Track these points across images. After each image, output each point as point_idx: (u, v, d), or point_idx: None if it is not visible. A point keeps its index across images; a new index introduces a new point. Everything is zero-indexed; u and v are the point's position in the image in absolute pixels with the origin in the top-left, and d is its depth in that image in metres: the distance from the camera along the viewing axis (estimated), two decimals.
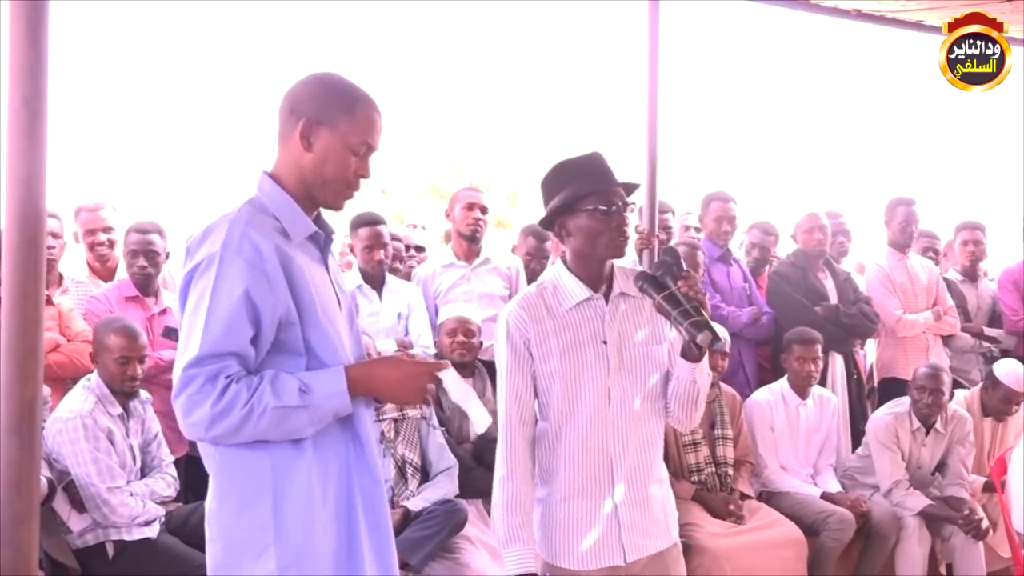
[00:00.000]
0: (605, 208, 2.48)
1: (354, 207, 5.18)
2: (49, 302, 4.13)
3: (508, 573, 2.48)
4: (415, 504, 3.98)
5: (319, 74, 2.15)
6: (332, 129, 2.08)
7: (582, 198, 2.49)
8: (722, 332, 4.53)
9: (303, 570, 2.02)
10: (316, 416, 2.02)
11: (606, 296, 2.56)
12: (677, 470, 4.46)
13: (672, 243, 5.25)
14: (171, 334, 4.35)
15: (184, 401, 1.96)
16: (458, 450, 4.28)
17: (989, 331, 5.85)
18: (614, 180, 2.53)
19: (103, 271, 4.75)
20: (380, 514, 2.17)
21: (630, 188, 2.57)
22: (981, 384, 5.27)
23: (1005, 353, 5.70)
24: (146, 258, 4.40)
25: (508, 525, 2.49)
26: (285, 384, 2.00)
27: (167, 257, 4.58)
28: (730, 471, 4.59)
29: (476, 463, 4.27)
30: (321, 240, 2.18)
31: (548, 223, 2.58)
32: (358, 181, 2.14)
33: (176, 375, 1.98)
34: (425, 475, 4.16)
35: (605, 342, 2.53)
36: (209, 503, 2.10)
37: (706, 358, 2.52)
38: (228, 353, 1.96)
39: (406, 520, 3.89)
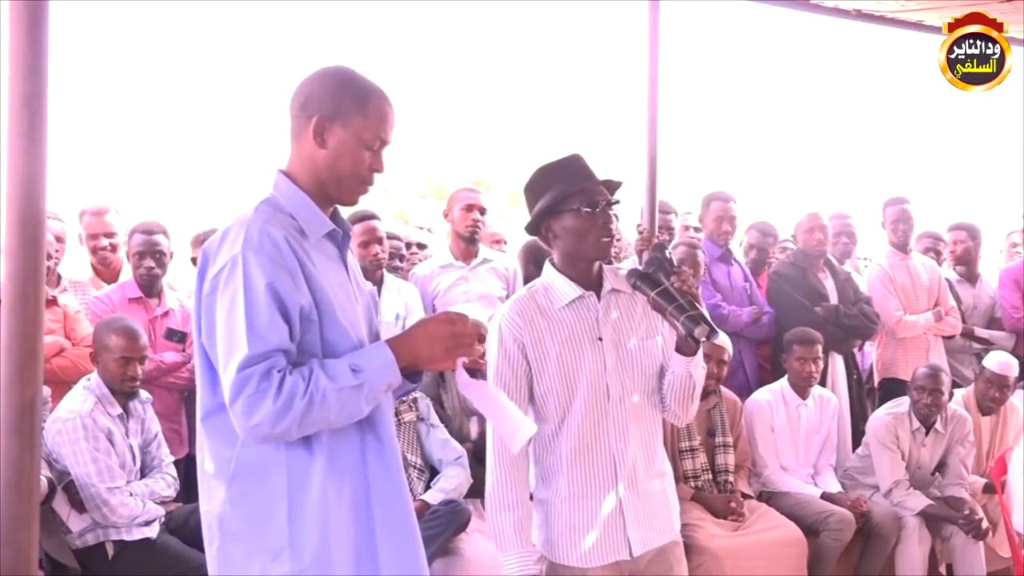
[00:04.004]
0: (590, 207, 2.49)
1: (354, 206, 5.21)
2: (55, 303, 4.13)
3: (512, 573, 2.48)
4: (432, 497, 4.01)
5: (329, 69, 2.13)
6: (345, 126, 2.07)
7: (566, 198, 2.51)
8: (725, 339, 4.55)
9: (319, 571, 2.01)
10: (372, 393, 2.01)
11: (597, 294, 2.58)
12: (673, 475, 4.45)
13: (673, 243, 5.25)
14: (173, 336, 4.35)
15: (243, 403, 1.92)
16: None
17: (980, 332, 5.85)
18: (596, 179, 2.55)
19: (107, 273, 4.75)
20: (399, 512, 2.13)
21: (612, 186, 2.59)
22: (974, 381, 5.28)
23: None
24: (153, 259, 4.40)
25: (506, 530, 2.50)
26: (336, 367, 1.98)
27: (171, 257, 4.59)
28: (730, 478, 4.59)
29: (476, 462, 4.27)
30: (339, 237, 2.17)
31: (535, 226, 2.59)
32: (372, 176, 2.13)
33: (228, 380, 1.94)
34: (433, 474, 4.19)
35: (601, 339, 2.55)
36: (219, 507, 2.06)
37: (700, 352, 2.53)
38: (275, 349, 1.94)
39: (422, 514, 3.90)
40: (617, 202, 2.57)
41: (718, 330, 2.40)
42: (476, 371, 4.39)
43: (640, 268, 2.51)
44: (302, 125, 2.09)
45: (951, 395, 4.94)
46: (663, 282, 2.42)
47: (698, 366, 2.54)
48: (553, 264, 2.61)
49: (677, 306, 2.37)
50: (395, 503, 2.14)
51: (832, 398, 5.06)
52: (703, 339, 2.37)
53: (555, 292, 2.57)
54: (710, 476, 4.57)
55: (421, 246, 5.86)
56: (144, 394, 3.91)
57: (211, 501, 2.09)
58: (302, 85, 2.12)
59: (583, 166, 2.57)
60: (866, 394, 5.60)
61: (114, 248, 4.73)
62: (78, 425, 3.62)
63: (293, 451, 2.02)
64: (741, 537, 4.31)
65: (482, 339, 4.04)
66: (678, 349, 2.52)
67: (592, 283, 2.58)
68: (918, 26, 5.55)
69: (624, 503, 2.55)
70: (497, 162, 16.97)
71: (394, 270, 4.97)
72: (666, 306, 2.39)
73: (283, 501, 2.02)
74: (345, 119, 2.07)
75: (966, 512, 4.70)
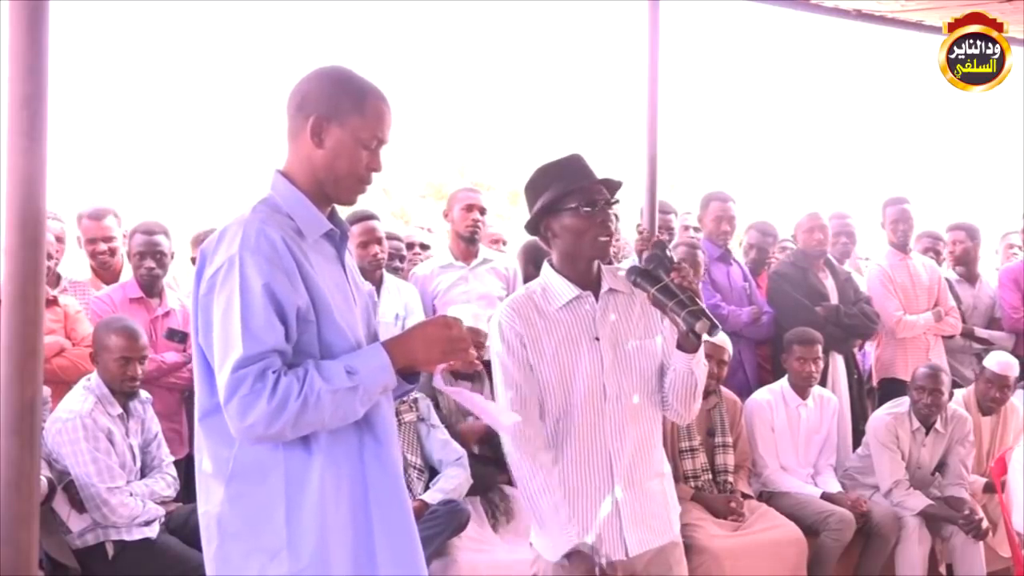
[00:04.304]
0: (589, 206, 2.50)
1: (352, 206, 5.20)
2: (55, 303, 4.13)
3: (557, 553, 2.45)
4: (432, 497, 4.02)
5: (325, 69, 2.13)
6: (342, 125, 2.07)
7: (565, 197, 2.51)
8: (725, 339, 4.55)
9: (317, 571, 2.02)
10: (367, 395, 2.01)
11: (595, 294, 2.58)
12: (673, 475, 4.46)
13: (673, 243, 5.24)
14: (174, 336, 4.35)
15: (237, 404, 1.92)
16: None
17: (980, 332, 5.85)
18: (595, 178, 2.55)
19: (107, 274, 4.75)
20: (397, 513, 2.14)
21: (613, 186, 2.59)
22: (974, 381, 5.28)
23: None
24: (153, 259, 4.40)
25: (544, 512, 2.47)
26: (331, 368, 1.98)
27: (172, 257, 4.59)
28: (730, 478, 4.59)
29: (474, 460, 4.27)
30: (337, 238, 2.17)
31: (534, 225, 2.60)
32: (370, 175, 2.13)
33: (223, 380, 1.94)
34: (433, 474, 4.19)
35: (598, 339, 2.55)
36: (218, 507, 2.06)
37: (702, 348, 2.53)
38: (271, 350, 1.94)
39: (421, 514, 3.90)
40: (616, 202, 2.57)
41: (719, 325, 2.40)
42: (473, 375, 4.39)
43: (640, 265, 2.51)
44: (299, 125, 2.09)
45: (951, 395, 4.94)
46: (663, 278, 2.42)
47: (700, 363, 2.54)
48: (551, 264, 2.62)
49: (678, 302, 2.37)
50: (393, 504, 2.14)
51: (832, 398, 5.06)
52: (705, 334, 2.37)
53: (553, 293, 2.57)
54: (710, 476, 4.57)
55: (424, 247, 5.83)
56: (144, 394, 3.91)
57: (209, 501, 2.09)
58: (299, 85, 2.12)
59: (583, 165, 2.58)
60: (867, 394, 5.60)
61: (112, 252, 4.73)
62: (78, 425, 3.62)
63: (291, 451, 2.02)
64: (741, 537, 4.32)
65: (479, 346, 4.04)
66: (679, 346, 2.51)
67: (590, 283, 2.59)
68: (918, 26, 5.55)
69: (621, 503, 2.55)
70: (497, 162, 16.99)
71: (394, 271, 4.97)
72: (667, 302, 2.39)
73: (281, 501, 2.02)
74: (342, 119, 2.07)
75: (966, 512, 4.70)
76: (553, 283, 2.58)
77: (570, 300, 2.56)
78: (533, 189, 2.60)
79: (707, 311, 2.38)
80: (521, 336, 2.52)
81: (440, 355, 2.09)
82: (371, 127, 2.09)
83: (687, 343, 2.49)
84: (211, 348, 2.01)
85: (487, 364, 4.44)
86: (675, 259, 2.50)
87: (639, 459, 2.59)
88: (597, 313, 2.56)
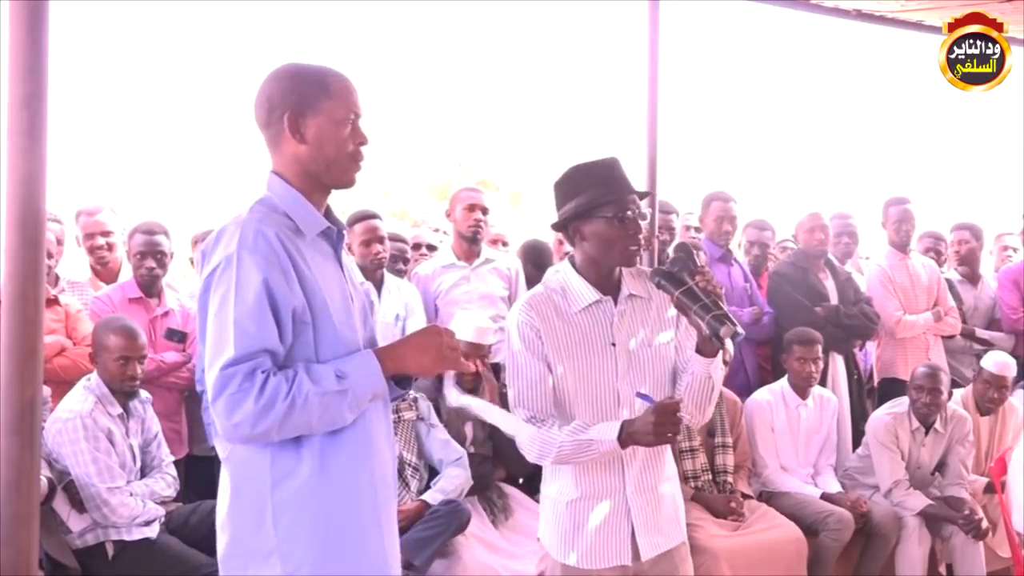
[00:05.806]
0: (623, 217, 2.49)
1: (353, 205, 5.19)
2: (56, 302, 4.13)
3: (609, 442, 2.41)
4: (432, 497, 4.01)
5: (276, 71, 2.14)
6: (316, 113, 2.08)
7: (601, 205, 2.49)
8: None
9: (312, 571, 2.02)
10: (356, 401, 2.01)
11: (614, 299, 2.57)
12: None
13: (674, 243, 5.24)
14: (173, 336, 4.35)
15: (225, 402, 1.92)
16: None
17: (981, 333, 5.85)
18: (632, 189, 2.54)
19: (105, 273, 4.75)
20: (390, 511, 2.15)
21: (640, 197, 2.58)
22: (973, 381, 5.28)
23: None
24: (153, 259, 4.40)
25: (583, 443, 2.44)
26: (321, 371, 1.99)
27: (172, 257, 4.59)
28: (730, 478, 4.59)
29: (471, 459, 4.27)
30: (334, 236, 2.18)
31: (562, 226, 2.58)
32: (359, 150, 2.14)
33: (212, 378, 1.95)
34: (433, 473, 4.19)
35: (614, 344, 2.54)
36: (226, 509, 2.08)
37: (721, 353, 2.51)
38: (262, 350, 1.95)
39: (421, 514, 3.90)
40: (645, 217, 2.57)
41: (743, 332, 2.38)
42: (474, 387, 4.37)
43: (664, 267, 2.50)
44: (277, 129, 2.11)
45: (950, 395, 4.94)
46: (687, 281, 2.40)
47: (718, 368, 2.53)
48: (573, 264, 2.60)
49: (702, 305, 2.35)
50: (388, 503, 2.15)
51: (832, 398, 5.06)
52: (728, 339, 2.35)
53: (573, 294, 2.56)
54: (710, 476, 4.57)
55: (431, 248, 5.80)
56: (144, 394, 3.91)
57: (221, 502, 2.11)
58: (259, 95, 2.13)
59: (621, 174, 2.56)
60: (867, 394, 5.60)
61: (111, 247, 4.73)
62: (78, 425, 3.62)
63: (279, 452, 2.02)
64: (741, 537, 4.32)
65: (482, 357, 4.03)
66: (699, 350, 2.49)
67: (611, 287, 2.58)
68: (918, 26, 5.55)
69: (632, 508, 2.55)
70: (499, 162, 16.98)
71: (398, 272, 4.96)
72: (691, 305, 2.37)
73: (268, 502, 2.02)
74: (315, 107, 2.09)
75: (966, 512, 4.71)
76: (574, 284, 2.57)
77: (590, 304, 2.55)
78: (567, 186, 2.57)
79: (731, 316, 2.36)
80: (538, 331, 2.51)
81: (432, 363, 2.11)
82: (343, 104, 2.11)
83: (707, 348, 2.46)
84: (205, 345, 2.01)
85: (495, 368, 4.45)
86: (700, 263, 2.49)
87: (650, 465, 2.59)
88: (615, 319, 2.55)
